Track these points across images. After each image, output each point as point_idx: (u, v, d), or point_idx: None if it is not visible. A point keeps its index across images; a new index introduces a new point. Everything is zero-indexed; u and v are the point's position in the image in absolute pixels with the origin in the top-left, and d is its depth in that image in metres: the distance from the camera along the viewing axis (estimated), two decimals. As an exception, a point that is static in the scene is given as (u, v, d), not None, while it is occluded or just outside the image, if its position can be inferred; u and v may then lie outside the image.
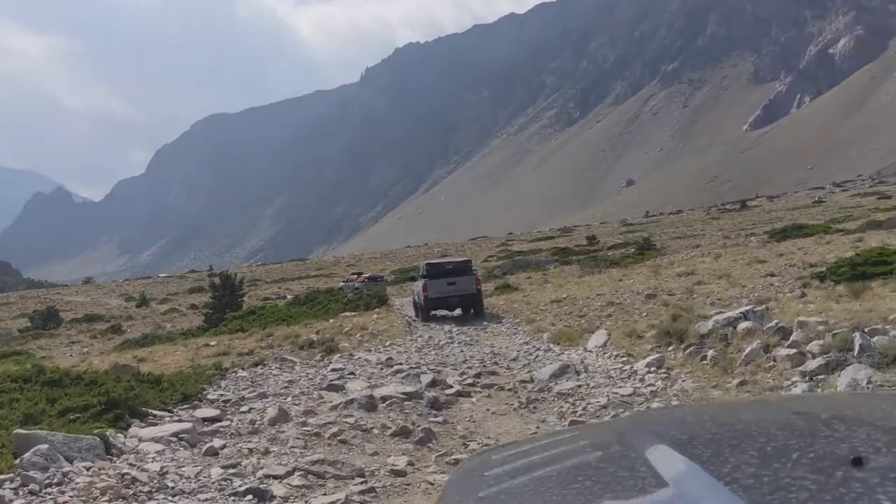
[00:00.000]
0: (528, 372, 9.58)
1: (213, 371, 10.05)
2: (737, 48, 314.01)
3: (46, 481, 5.03)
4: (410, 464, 5.81)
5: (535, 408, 7.67)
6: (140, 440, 6.24)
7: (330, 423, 6.82)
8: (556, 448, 1.75)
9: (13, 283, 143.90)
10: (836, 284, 15.14)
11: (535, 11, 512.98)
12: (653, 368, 8.18)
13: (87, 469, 5.30)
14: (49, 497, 4.82)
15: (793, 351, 6.80)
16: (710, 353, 7.90)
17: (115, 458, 5.66)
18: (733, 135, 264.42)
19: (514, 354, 11.59)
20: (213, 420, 7.08)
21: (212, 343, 19.55)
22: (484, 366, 10.65)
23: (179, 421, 6.93)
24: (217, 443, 6.18)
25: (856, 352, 6.25)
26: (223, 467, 5.52)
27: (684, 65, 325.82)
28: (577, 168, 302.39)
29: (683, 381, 7.57)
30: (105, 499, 4.78)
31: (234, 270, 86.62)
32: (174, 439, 6.27)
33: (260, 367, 11.08)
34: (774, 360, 6.98)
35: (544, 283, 31.61)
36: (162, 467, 5.44)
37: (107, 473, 5.21)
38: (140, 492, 4.94)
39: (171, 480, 5.21)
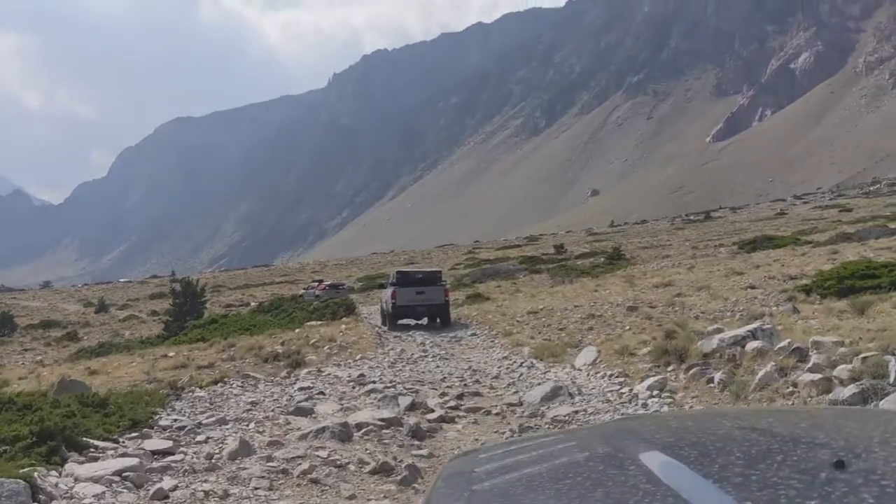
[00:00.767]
0: (515, 393, 8.83)
1: (167, 391, 9.08)
2: (700, 61, 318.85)
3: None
4: (394, 509, 5.00)
5: (528, 436, 6.87)
6: (76, 480, 5.31)
7: (299, 457, 5.96)
8: (544, 448, 1.79)
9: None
10: (824, 298, 14.73)
11: (502, 21, 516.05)
12: (655, 391, 7.48)
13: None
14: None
15: (817, 376, 6.15)
16: (719, 375, 7.23)
17: (43, 506, 4.75)
18: (696, 146, 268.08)
19: (494, 371, 10.82)
20: (164, 453, 6.16)
21: (170, 354, 18.52)
22: (465, 385, 9.85)
23: (125, 455, 5.99)
24: (167, 483, 5.29)
25: (892, 378, 5.64)
26: (173, 515, 4.65)
27: (649, 77, 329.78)
28: (542, 177, 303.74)
29: (691, 406, 6.89)
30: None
31: (197, 276, 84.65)
32: (117, 479, 5.35)
33: (220, 384, 10.12)
34: (795, 386, 6.32)
35: (516, 293, 30.99)
36: (99, 516, 4.56)
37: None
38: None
39: (110, 534, 4.33)
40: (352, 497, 5.23)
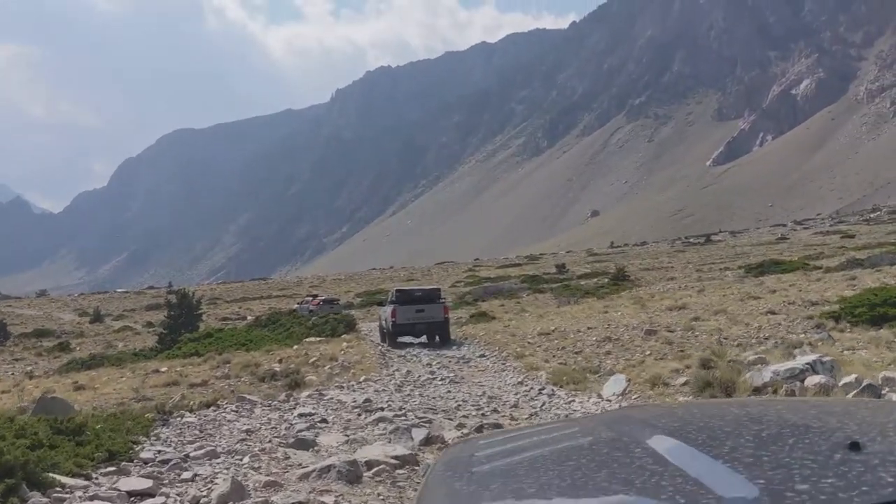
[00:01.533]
0: (539, 425, 7.97)
1: (153, 414, 8.19)
2: (702, 85, 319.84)
3: None
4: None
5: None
6: (35, 529, 4.45)
7: (301, 502, 5.08)
8: (546, 434, 1.81)
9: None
10: (854, 326, 13.91)
11: (506, 41, 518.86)
12: (703, 430, 6.61)
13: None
14: None
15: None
16: (777, 413, 6.38)
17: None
18: (696, 170, 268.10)
19: (512, 399, 9.94)
20: (142, 495, 5.28)
21: (162, 369, 17.70)
22: (482, 414, 8.96)
23: (95, 498, 5.10)
24: (143, 535, 4.44)
25: None
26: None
27: (651, 99, 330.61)
28: (543, 196, 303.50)
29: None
30: None
31: (194, 288, 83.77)
32: (83, 528, 4.51)
33: (212, 408, 9.22)
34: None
35: (521, 312, 30.15)
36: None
37: None
38: None
39: None
40: (364, 558, 4.36)
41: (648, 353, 13.30)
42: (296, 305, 48.46)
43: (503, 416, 8.78)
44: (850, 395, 6.16)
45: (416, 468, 6.13)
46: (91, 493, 5.24)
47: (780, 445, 1.29)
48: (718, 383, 7.41)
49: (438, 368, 14.14)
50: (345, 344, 18.59)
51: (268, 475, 5.82)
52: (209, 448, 6.72)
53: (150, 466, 6.11)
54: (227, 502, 5.04)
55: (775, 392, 6.81)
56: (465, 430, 7.89)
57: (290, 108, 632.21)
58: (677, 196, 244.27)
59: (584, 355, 13.72)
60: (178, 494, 5.35)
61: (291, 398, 10.22)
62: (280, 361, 15.93)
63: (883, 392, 6.08)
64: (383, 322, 22.43)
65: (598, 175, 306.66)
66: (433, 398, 10.25)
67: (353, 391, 11.03)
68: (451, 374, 13.10)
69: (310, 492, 5.33)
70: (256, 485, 5.53)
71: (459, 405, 9.59)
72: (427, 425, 7.91)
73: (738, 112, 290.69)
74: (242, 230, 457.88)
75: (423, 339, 20.79)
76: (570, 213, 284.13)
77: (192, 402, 9.66)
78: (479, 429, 8.02)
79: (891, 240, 64.45)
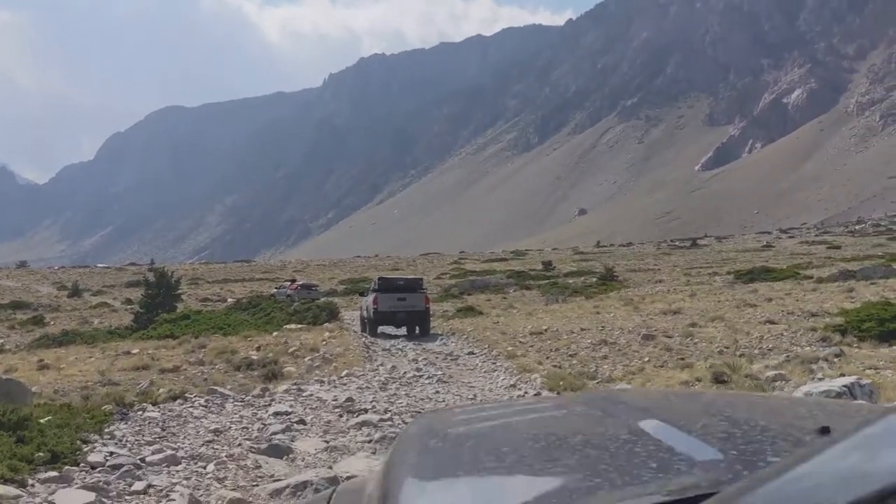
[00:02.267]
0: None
1: (111, 406, 7.36)
2: (694, 90, 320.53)
3: None
4: None
5: None
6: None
7: (269, 528, 4.33)
8: (521, 406, 1.90)
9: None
10: (861, 341, 13.34)
11: (501, 35, 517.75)
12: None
13: None
14: None
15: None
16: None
17: None
18: (685, 174, 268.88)
19: (506, 404, 9.24)
20: (83, 511, 4.50)
21: (134, 351, 16.87)
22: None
23: (24, 514, 4.32)
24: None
25: None
26: None
27: (643, 101, 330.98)
28: (531, 193, 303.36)
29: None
30: None
31: (176, 267, 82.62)
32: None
33: (179, 401, 8.40)
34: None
35: (509, 308, 29.50)
36: None
37: None
38: None
39: None
40: None
41: (647, 359, 12.66)
42: (274, 290, 48.28)
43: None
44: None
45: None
46: (21, 506, 4.43)
47: (752, 426, 1.33)
48: (740, 402, 6.73)
49: (425, 365, 13.42)
50: (327, 334, 17.81)
51: (234, 489, 5.04)
52: (169, 452, 5.91)
53: (98, 473, 5.28)
54: (182, 524, 4.27)
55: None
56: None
57: (281, 91, 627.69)
58: (665, 199, 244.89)
59: (579, 358, 13.05)
60: (125, 512, 4.56)
61: (267, 393, 9.42)
62: (258, 349, 15.14)
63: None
64: (364, 311, 22.47)
65: (588, 174, 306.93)
66: (421, 399, 9.50)
67: (335, 387, 10.26)
68: (439, 373, 12.37)
69: (281, 514, 4.57)
70: (219, 501, 4.75)
71: (450, 409, 8.88)
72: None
73: (728, 118, 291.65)
74: (228, 211, 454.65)
75: (404, 330, 20.87)
76: (558, 210, 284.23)
77: (157, 393, 8.86)
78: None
79: (877, 252, 64.45)
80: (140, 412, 7.54)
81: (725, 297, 24.57)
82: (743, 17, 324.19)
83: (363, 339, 18.27)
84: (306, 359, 13.21)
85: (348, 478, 5.34)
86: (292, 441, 6.54)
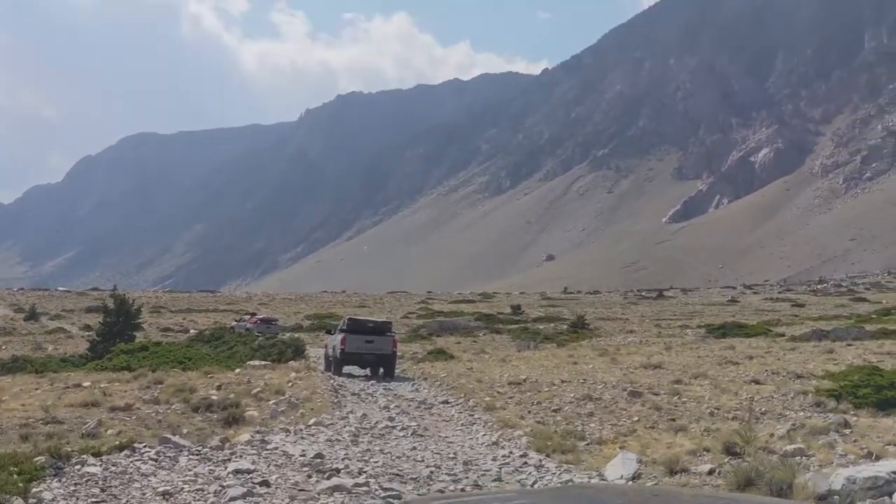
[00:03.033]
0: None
1: (44, 458, 6.37)
2: (665, 143, 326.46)
3: None
4: None
5: None
6: None
7: None
8: (503, 499, 2.04)
9: None
10: (857, 408, 12.79)
11: (478, 80, 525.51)
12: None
13: None
14: None
15: None
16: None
17: None
18: (652, 225, 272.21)
19: (492, 466, 8.37)
20: None
21: (85, 384, 15.73)
22: (461, 489, 7.35)
23: None
24: None
25: None
26: None
27: (614, 151, 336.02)
28: (501, 236, 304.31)
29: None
30: None
31: (139, 294, 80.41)
32: None
33: (126, 452, 7.40)
34: None
35: (481, 353, 28.70)
36: None
37: None
38: None
39: None
40: None
41: (636, 418, 11.93)
42: (233, 323, 47.71)
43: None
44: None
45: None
46: None
47: None
48: (766, 482, 5.92)
49: (398, 414, 12.53)
50: (293, 374, 16.80)
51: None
52: (109, 520, 4.99)
53: (17, 550, 4.36)
54: None
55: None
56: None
57: (257, 123, 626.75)
58: (631, 248, 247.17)
59: (563, 414, 12.27)
60: None
61: (227, 444, 8.46)
62: (219, 388, 14.13)
63: None
64: (330, 350, 22.20)
65: (557, 220, 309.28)
66: (398, 458, 8.60)
67: (302, 437, 9.32)
68: (413, 424, 11.49)
69: None
70: None
71: (432, 472, 7.94)
72: (395, 502, 6.28)
73: (697, 173, 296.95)
74: (196, 240, 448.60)
75: (368, 371, 20.84)
76: (526, 255, 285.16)
77: (104, 436, 7.85)
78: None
79: (841, 312, 65.08)
80: (78, 466, 6.52)
81: (704, 353, 24.08)
82: (714, 76, 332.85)
83: (331, 381, 17.30)
84: (271, 402, 12.25)
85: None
86: (255, 508, 5.64)
